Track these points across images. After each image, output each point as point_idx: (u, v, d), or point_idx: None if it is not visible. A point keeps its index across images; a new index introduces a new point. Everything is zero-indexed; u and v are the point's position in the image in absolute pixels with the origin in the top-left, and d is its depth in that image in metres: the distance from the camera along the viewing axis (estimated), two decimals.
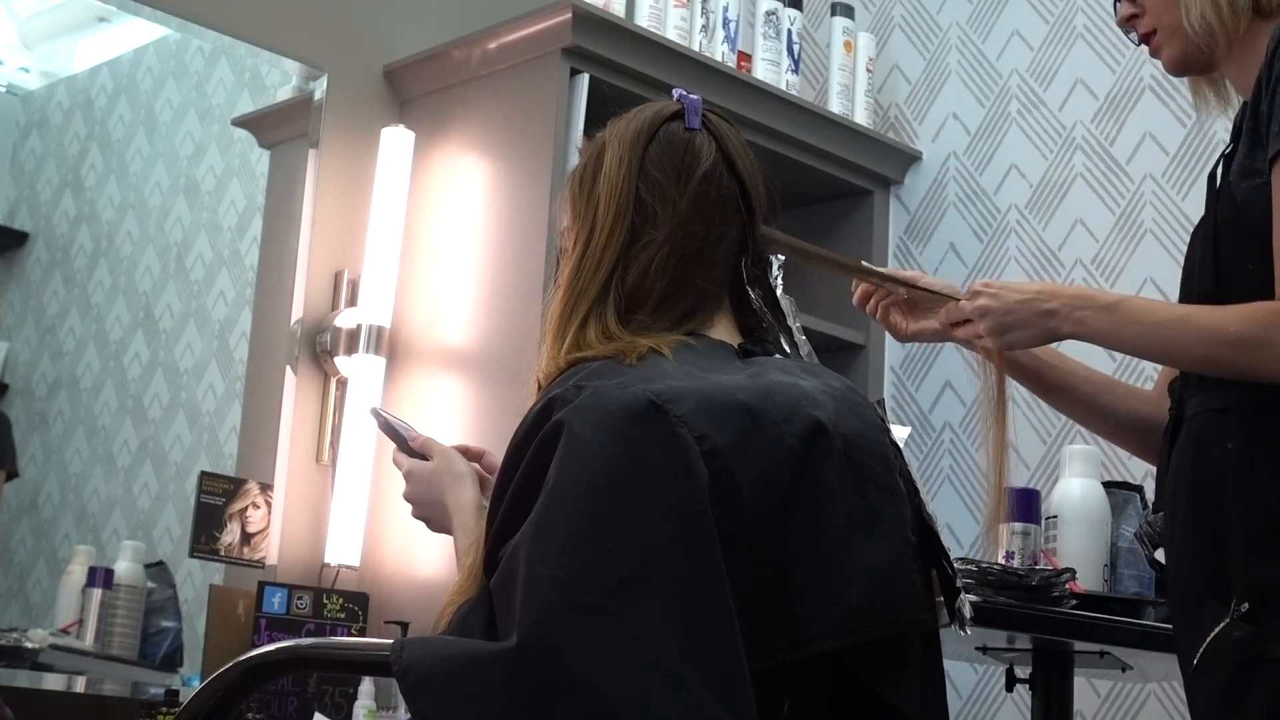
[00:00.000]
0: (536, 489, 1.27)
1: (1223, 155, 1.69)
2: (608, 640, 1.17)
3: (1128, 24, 1.78)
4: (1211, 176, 1.70)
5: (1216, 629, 1.52)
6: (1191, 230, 1.75)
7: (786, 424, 1.30)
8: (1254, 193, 1.57)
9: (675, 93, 1.54)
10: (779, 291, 1.56)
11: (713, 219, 1.47)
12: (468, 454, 1.68)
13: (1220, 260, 1.61)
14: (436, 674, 1.20)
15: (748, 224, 1.49)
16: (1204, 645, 1.54)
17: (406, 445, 1.69)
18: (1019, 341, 1.70)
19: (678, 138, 1.49)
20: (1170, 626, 1.69)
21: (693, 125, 1.50)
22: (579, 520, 1.21)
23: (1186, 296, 1.70)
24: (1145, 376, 2.90)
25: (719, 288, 1.48)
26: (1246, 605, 1.50)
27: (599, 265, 1.44)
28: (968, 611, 1.42)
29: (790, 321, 1.52)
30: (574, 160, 2.80)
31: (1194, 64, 1.74)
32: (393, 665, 1.22)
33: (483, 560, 1.36)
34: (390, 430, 1.71)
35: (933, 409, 3.24)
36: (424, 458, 1.68)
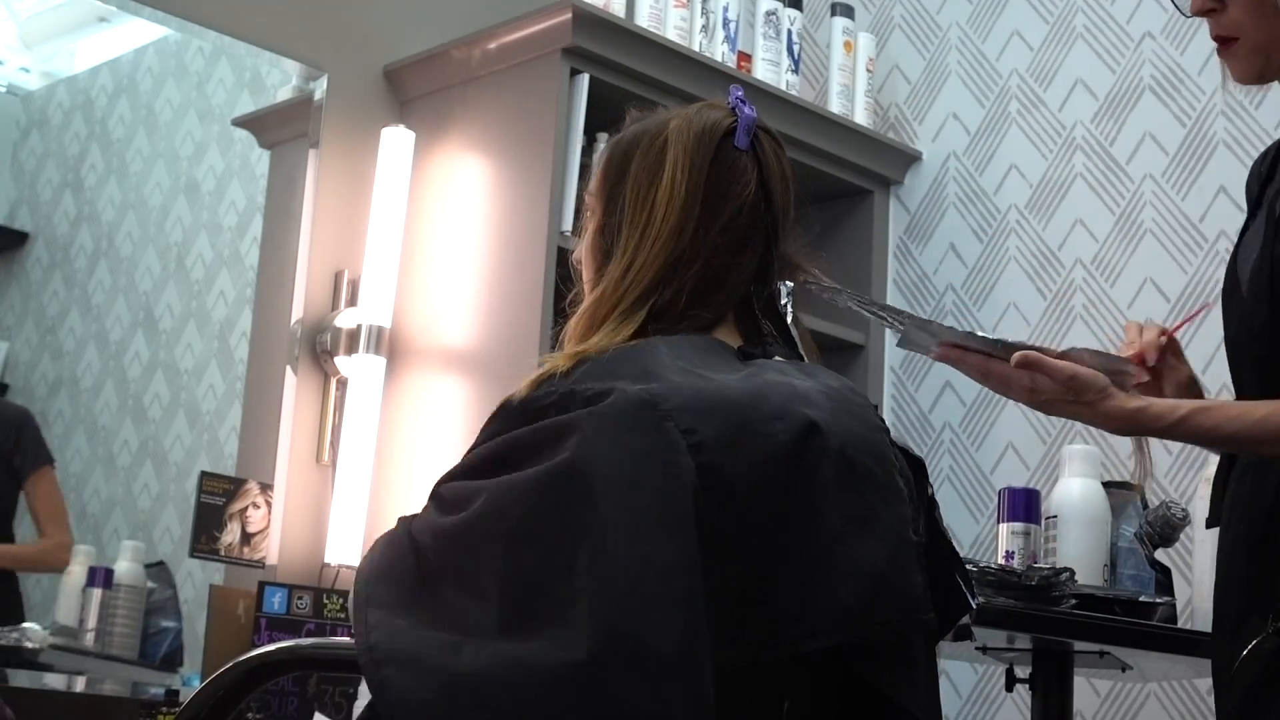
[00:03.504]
0: (514, 463, 1.27)
1: (1267, 175, 1.67)
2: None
3: (1204, 14, 1.65)
4: (1272, 205, 1.65)
5: (1253, 642, 1.54)
6: (1231, 243, 1.73)
7: (778, 421, 1.30)
8: None
9: (732, 97, 1.52)
10: (789, 318, 1.56)
11: (740, 249, 1.47)
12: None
13: (1275, 296, 1.60)
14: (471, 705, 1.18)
15: (771, 252, 1.50)
16: (1240, 658, 1.55)
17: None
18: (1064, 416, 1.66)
19: (726, 157, 1.48)
20: (1185, 631, 1.69)
21: (741, 145, 1.48)
22: (596, 519, 1.22)
23: (1231, 323, 1.69)
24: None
25: (731, 307, 1.49)
26: None
27: (643, 272, 1.44)
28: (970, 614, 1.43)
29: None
30: (574, 160, 2.80)
31: (1264, 79, 1.66)
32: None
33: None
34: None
35: (933, 409, 3.24)
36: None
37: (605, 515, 1.21)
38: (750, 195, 1.47)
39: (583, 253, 1.54)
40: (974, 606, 1.42)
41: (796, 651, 1.28)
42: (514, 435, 1.31)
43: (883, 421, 1.44)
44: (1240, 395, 1.68)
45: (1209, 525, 1.73)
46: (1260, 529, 1.59)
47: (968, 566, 2.10)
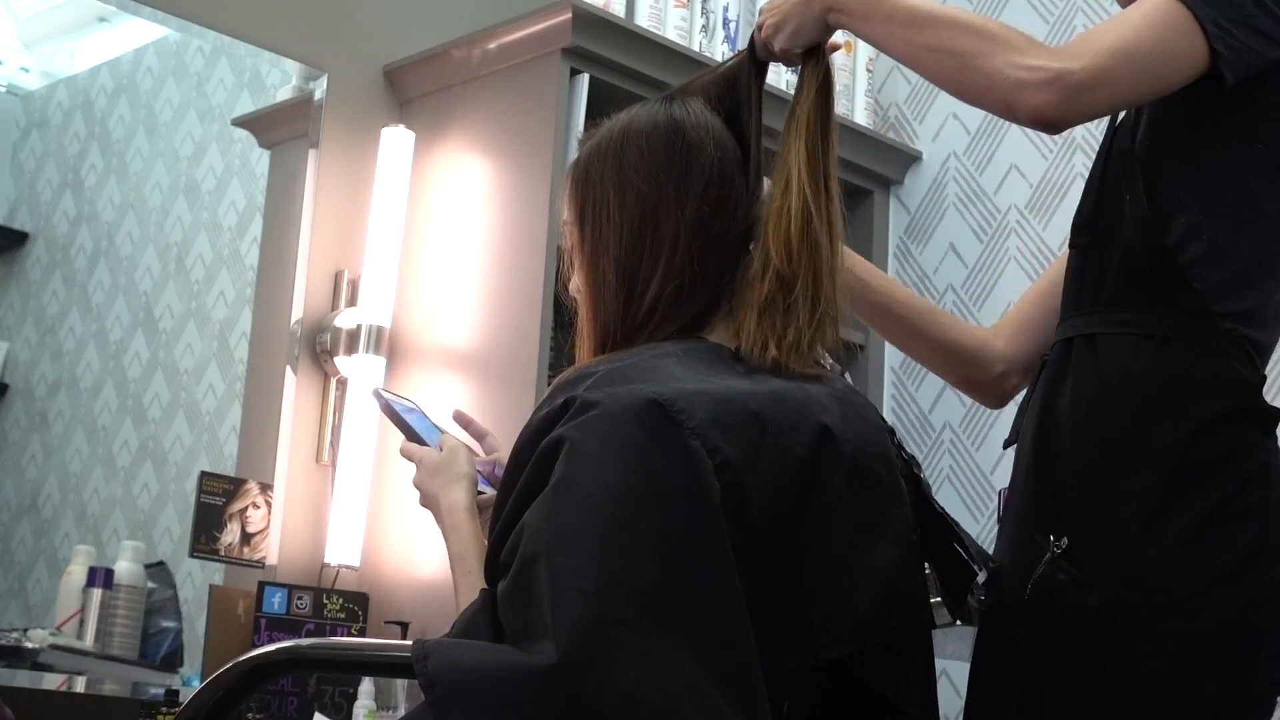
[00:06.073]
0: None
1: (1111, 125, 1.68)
2: (639, 653, 1.17)
3: None
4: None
5: (1040, 569, 1.48)
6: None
7: (795, 432, 1.30)
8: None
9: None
10: None
11: (721, 212, 1.48)
12: (470, 428, 1.69)
13: (1103, 185, 1.61)
14: (467, 685, 1.18)
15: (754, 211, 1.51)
16: (1030, 583, 1.49)
17: (415, 435, 1.68)
18: (794, 36, 1.59)
19: (677, 137, 1.49)
20: None
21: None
22: (602, 532, 1.20)
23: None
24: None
25: (727, 283, 1.48)
26: (1066, 541, 1.48)
27: (639, 273, 1.45)
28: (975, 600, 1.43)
29: None
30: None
31: None
32: (418, 674, 1.19)
33: (485, 563, 1.36)
34: (394, 416, 1.70)
35: (933, 409, 3.24)
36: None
37: (638, 536, 1.21)
38: (713, 161, 1.47)
39: (578, 281, 1.53)
40: (977, 572, 1.42)
41: (817, 661, 1.28)
42: (527, 479, 1.30)
43: (884, 421, 1.44)
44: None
45: (1005, 445, 1.72)
46: (1047, 440, 1.55)
47: None
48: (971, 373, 1.83)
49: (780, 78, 3.25)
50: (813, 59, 1.60)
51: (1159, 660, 1.42)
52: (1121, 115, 1.64)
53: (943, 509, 1.44)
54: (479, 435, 1.71)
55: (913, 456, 1.46)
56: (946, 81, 1.52)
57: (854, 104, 3.35)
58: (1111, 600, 1.43)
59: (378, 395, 1.73)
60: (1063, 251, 1.75)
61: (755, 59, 1.63)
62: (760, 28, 1.63)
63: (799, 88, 1.58)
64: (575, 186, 1.51)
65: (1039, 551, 1.49)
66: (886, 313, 1.83)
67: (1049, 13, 3.22)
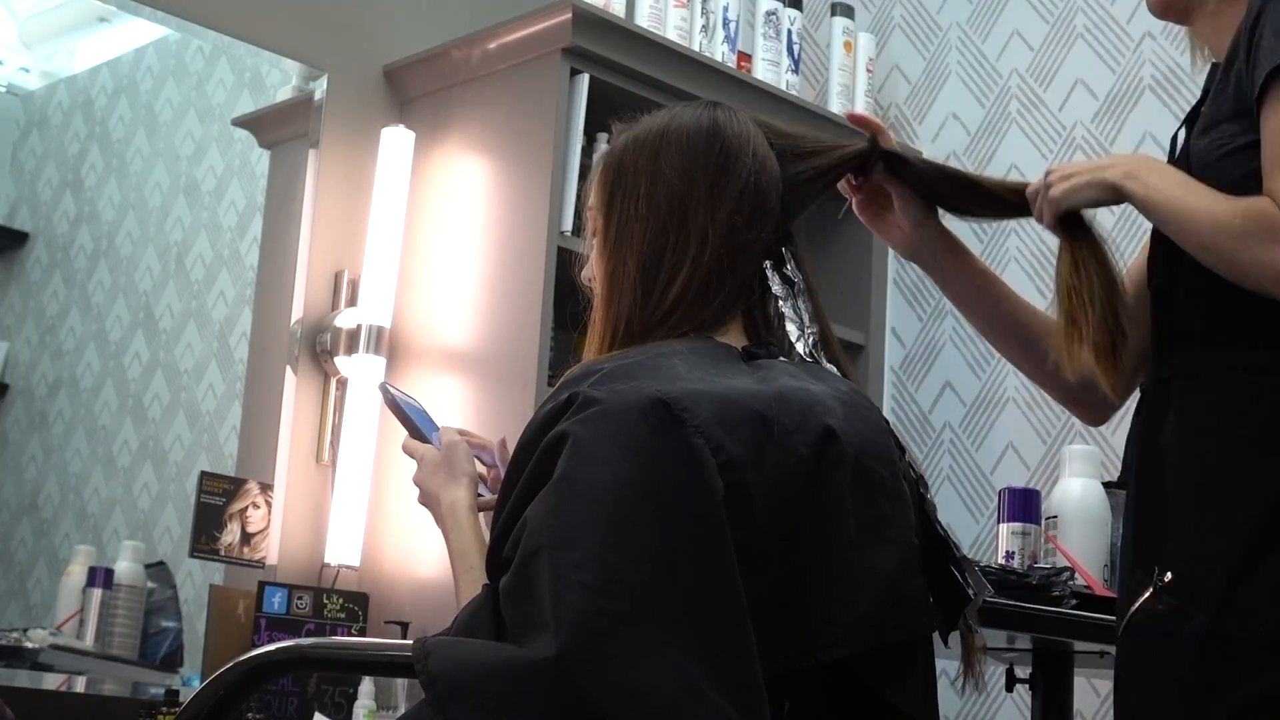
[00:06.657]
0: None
1: (1187, 117, 1.69)
2: (639, 649, 1.17)
3: None
4: (1174, 138, 1.70)
5: (1141, 598, 1.54)
6: None
7: (799, 433, 1.30)
8: (1208, 151, 1.57)
9: None
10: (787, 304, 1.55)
11: (750, 225, 1.48)
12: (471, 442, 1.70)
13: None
14: (467, 681, 1.18)
15: (781, 228, 1.51)
16: (1129, 613, 1.56)
17: (418, 432, 1.69)
18: (1072, 190, 1.60)
19: (718, 142, 1.50)
20: None
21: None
22: (604, 528, 1.20)
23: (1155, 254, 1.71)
24: None
25: (741, 291, 1.48)
26: (1170, 575, 1.51)
27: (657, 272, 1.45)
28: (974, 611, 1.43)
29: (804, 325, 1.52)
30: (574, 160, 2.80)
31: (1176, 9, 1.74)
32: (418, 672, 1.19)
33: (485, 558, 1.36)
34: (399, 411, 1.71)
35: (933, 409, 3.24)
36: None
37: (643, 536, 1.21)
38: (750, 172, 1.48)
39: (592, 269, 1.53)
40: (971, 597, 1.42)
41: (818, 661, 1.28)
42: (530, 475, 1.30)
43: (888, 424, 1.44)
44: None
45: (1117, 484, 1.75)
46: (1150, 477, 1.59)
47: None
48: (1027, 350, 1.79)
49: (780, 77, 3.25)
50: (1076, 230, 1.60)
51: (1254, 690, 1.46)
52: (1179, 151, 1.65)
53: (946, 532, 1.44)
54: (479, 447, 1.71)
55: (921, 476, 1.46)
56: (1219, 269, 1.54)
57: (854, 104, 3.35)
58: (1209, 631, 1.48)
59: (383, 390, 1.74)
60: (1134, 258, 1.75)
61: (883, 155, 1.63)
62: (1047, 173, 1.62)
63: (1073, 264, 1.59)
64: (607, 173, 1.51)
65: (1140, 584, 1.54)
66: (978, 287, 1.82)
67: (1049, 13, 3.22)
